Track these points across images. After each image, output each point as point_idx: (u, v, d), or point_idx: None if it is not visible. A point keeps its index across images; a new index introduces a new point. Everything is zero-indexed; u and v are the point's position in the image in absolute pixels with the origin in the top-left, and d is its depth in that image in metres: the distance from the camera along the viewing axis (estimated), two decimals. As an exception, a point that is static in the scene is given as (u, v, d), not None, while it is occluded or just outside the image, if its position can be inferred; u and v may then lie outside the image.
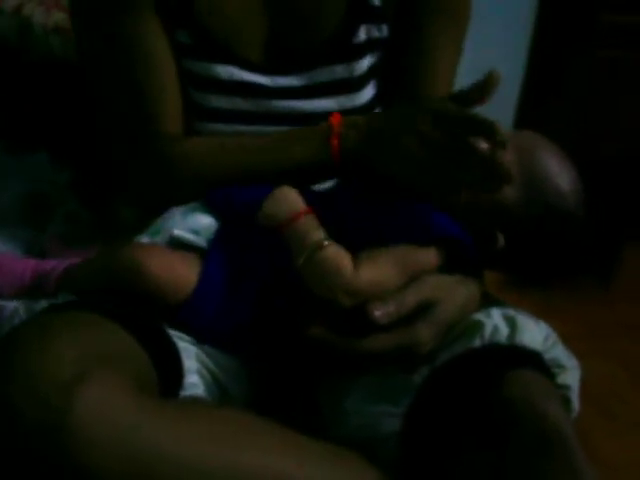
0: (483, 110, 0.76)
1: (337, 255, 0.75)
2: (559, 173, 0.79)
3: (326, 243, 0.76)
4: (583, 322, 1.75)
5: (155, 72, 0.88)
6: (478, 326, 0.75)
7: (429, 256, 0.77)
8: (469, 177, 0.74)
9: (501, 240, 0.78)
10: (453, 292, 0.76)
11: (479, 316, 0.76)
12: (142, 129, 0.90)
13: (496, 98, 0.76)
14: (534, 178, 0.78)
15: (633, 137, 2.04)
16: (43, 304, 0.77)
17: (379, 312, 0.72)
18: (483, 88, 0.75)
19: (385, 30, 0.92)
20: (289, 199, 0.80)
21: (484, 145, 0.73)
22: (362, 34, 0.91)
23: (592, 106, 2.00)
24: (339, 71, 0.92)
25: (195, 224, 0.83)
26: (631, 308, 1.90)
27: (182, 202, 0.86)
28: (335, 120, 0.84)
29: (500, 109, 0.78)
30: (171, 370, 0.75)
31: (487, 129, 0.72)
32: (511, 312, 0.77)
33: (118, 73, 0.89)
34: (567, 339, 0.79)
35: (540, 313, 0.79)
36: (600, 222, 0.81)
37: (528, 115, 2.06)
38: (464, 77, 0.97)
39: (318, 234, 0.77)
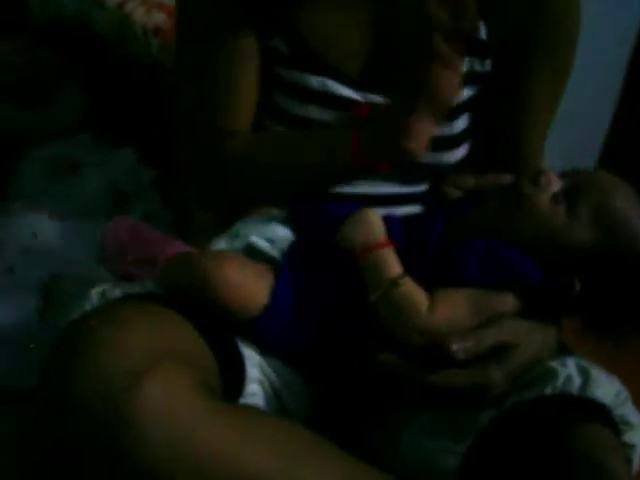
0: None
1: (413, 294, 0.75)
2: (635, 215, 0.77)
3: (401, 281, 0.75)
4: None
5: (237, 73, 0.89)
6: (552, 374, 0.73)
7: (504, 302, 0.76)
8: None
9: (577, 286, 0.76)
10: (530, 338, 0.75)
11: (554, 364, 0.74)
12: (209, 125, 0.91)
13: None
14: (610, 221, 0.76)
15: None
16: (136, 288, 0.77)
17: (457, 346, 0.71)
18: None
19: (488, 65, 0.91)
20: (368, 224, 0.79)
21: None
22: (464, 65, 0.89)
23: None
24: None
25: (272, 233, 0.83)
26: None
27: (244, 202, 0.88)
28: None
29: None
30: (234, 376, 0.75)
31: None
32: (586, 364, 0.75)
33: (200, 70, 0.90)
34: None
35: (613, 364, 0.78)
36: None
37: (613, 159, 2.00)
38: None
39: (394, 270, 0.76)
